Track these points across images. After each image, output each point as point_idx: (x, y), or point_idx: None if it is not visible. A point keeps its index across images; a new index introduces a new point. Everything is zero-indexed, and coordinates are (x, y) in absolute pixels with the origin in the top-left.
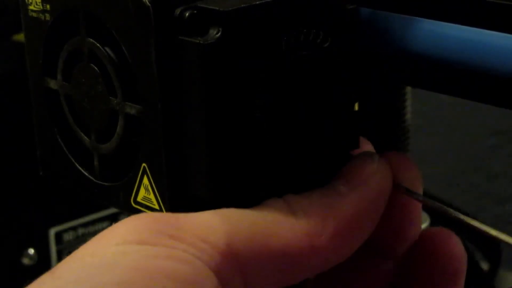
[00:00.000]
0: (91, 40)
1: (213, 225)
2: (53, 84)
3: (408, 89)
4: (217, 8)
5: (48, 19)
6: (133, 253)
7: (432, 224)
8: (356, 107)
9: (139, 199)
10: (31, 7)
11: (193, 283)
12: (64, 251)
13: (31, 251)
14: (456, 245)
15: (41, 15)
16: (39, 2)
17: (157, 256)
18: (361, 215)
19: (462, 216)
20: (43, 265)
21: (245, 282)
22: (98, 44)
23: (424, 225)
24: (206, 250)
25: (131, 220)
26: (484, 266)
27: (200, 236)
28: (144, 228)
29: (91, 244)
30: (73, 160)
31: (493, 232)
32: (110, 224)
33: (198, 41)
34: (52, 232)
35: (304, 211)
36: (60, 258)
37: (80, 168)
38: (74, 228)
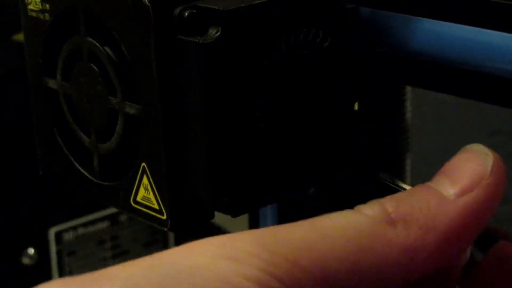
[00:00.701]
0: (90, 39)
1: (306, 245)
2: (52, 84)
3: (408, 88)
4: (217, 8)
5: (48, 18)
6: (222, 266)
7: None
8: (356, 107)
9: (138, 198)
10: (31, 7)
11: None
12: (64, 250)
13: (31, 250)
14: None
15: (40, 14)
16: (38, 2)
17: (245, 275)
18: (466, 225)
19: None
20: (43, 265)
21: None
22: (97, 44)
23: None
24: (297, 277)
25: (228, 236)
26: None
27: (293, 261)
28: (239, 247)
29: (180, 250)
30: (72, 160)
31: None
32: (110, 224)
33: (197, 41)
34: (52, 231)
35: (404, 222)
36: (60, 257)
37: (80, 168)
38: (74, 228)
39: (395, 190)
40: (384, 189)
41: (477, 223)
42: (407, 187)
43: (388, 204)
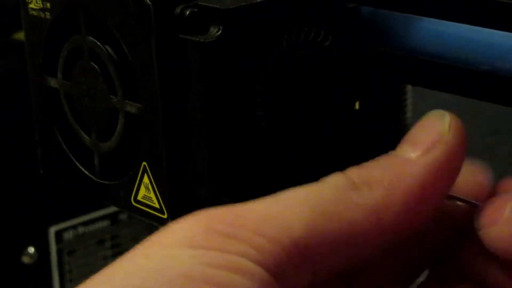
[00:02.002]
0: (91, 38)
1: (272, 217)
2: (53, 83)
3: (409, 87)
4: (218, 7)
5: (48, 17)
6: (184, 258)
7: None
8: (357, 106)
9: (139, 197)
10: (31, 6)
11: None
12: (64, 249)
13: (31, 249)
14: None
15: (41, 13)
16: (39, 1)
17: (209, 263)
18: (431, 183)
19: None
20: (43, 264)
21: (308, 270)
22: (98, 43)
23: None
24: (264, 247)
25: (187, 220)
26: None
27: (257, 231)
28: (197, 229)
29: (144, 245)
30: (73, 159)
31: None
32: (110, 223)
33: (198, 39)
34: (52, 230)
35: (368, 184)
36: (60, 256)
37: (81, 167)
38: (74, 227)
39: None
40: None
41: (442, 180)
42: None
43: (351, 171)
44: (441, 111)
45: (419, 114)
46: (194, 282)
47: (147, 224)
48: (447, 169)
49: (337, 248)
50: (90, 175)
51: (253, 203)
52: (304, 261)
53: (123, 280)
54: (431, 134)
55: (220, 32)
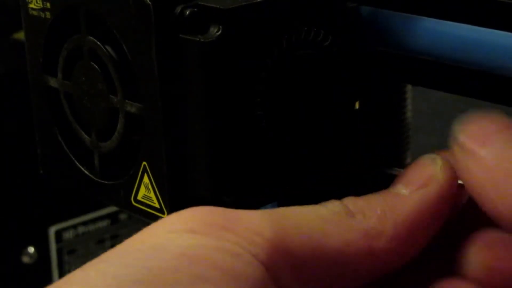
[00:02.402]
0: (91, 38)
1: (269, 222)
2: (53, 83)
3: (409, 87)
4: (218, 6)
5: (49, 17)
6: (182, 240)
7: None
8: (357, 106)
9: (139, 197)
10: (31, 6)
11: (239, 275)
12: (64, 249)
13: (31, 249)
14: None
15: (41, 13)
16: (39, 1)
17: (206, 246)
18: (422, 218)
19: None
20: (43, 264)
21: (297, 280)
22: (98, 42)
23: None
24: (258, 243)
25: (185, 211)
26: None
27: (254, 230)
28: (197, 219)
29: (142, 232)
30: (73, 159)
31: None
32: (110, 223)
33: (198, 39)
34: (52, 230)
35: (363, 213)
36: (60, 256)
37: (81, 167)
38: (74, 227)
39: None
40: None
41: (433, 217)
42: None
43: (347, 200)
44: (433, 155)
45: (419, 114)
46: (190, 260)
47: (147, 224)
48: (437, 207)
49: (329, 265)
50: (90, 175)
51: (252, 210)
52: (297, 270)
53: (118, 259)
54: (423, 174)
55: (220, 32)
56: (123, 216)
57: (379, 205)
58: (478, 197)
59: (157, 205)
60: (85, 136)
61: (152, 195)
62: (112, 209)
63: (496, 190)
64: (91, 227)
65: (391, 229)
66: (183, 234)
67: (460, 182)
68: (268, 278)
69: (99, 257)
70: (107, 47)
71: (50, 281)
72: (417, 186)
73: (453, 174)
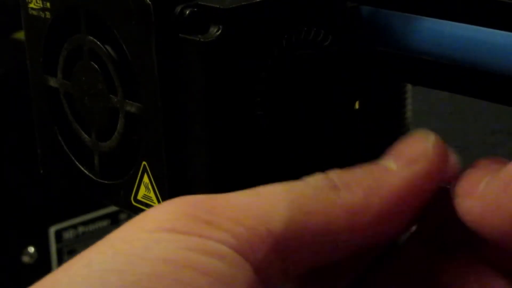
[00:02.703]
0: (91, 38)
1: (252, 207)
2: (53, 82)
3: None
4: (218, 6)
5: (49, 17)
6: (165, 243)
7: None
8: (357, 106)
9: (139, 197)
10: (31, 5)
11: (225, 278)
12: (64, 249)
13: (31, 249)
14: None
15: (41, 13)
16: (39, 0)
17: (190, 248)
18: (409, 195)
19: None
20: (43, 263)
21: (284, 262)
22: (98, 42)
23: None
24: (242, 235)
25: (165, 205)
26: None
27: (238, 220)
28: (178, 214)
29: (123, 229)
30: (73, 159)
31: None
32: (110, 223)
33: (198, 39)
34: (52, 230)
35: (347, 186)
36: (60, 256)
37: (81, 167)
38: (74, 227)
39: None
40: None
41: (420, 195)
42: None
43: (332, 173)
44: (427, 131)
45: (419, 114)
46: (175, 266)
47: None
48: (425, 185)
49: (312, 244)
50: (90, 175)
51: (233, 194)
52: (280, 253)
53: (102, 265)
54: (414, 150)
55: (220, 31)
56: (123, 216)
57: (365, 179)
58: (481, 231)
59: (157, 205)
60: (85, 136)
61: (152, 195)
62: (112, 209)
63: (495, 215)
64: (91, 227)
65: (376, 206)
66: (165, 234)
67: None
68: (254, 274)
69: (80, 256)
70: (107, 47)
71: None
72: (407, 161)
73: (445, 151)
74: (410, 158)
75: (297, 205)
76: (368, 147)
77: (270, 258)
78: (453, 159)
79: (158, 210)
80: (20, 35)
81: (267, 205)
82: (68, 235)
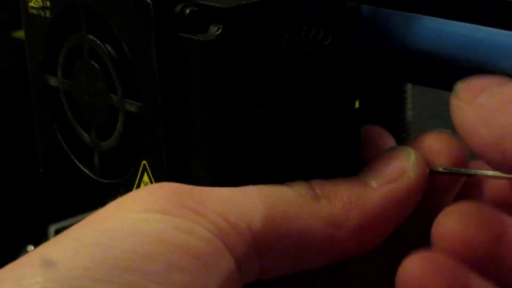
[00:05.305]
0: (91, 37)
1: (235, 204)
2: (53, 81)
3: (409, 87)
4: (218, 5)
5: (48, 16)
6: (155, 222)
7: None
8: (357, 105)
9: None
10: (31, 4)
11: (209, 261)
12: None
13: (31, 248)
14: None
15: (41, 12)
16: None
17: (178, 228)
18: (387, 212)
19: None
20: None
21: (260, 263)
22: (98, 41)
23: None
24: (225, 229)
25: (154, 188)
26: None
27: (221, 214)
28: (167, 198)
29: (109, 209)
30: (73, 157)
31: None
32: None
33: (198, 38)
34: (52, 229)
35: (329, 198)
36: None
37: (81, 165)
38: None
39: None
40: None
41: (398, 212)
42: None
43: (315, 183)
44: (408, 149)
45: (419, 114)
46: (165, 245)
47: None
48: (403, 203)
49: (288, 249)
50: (90, 174)
51: (218, 189)
52: (258, 250)
53: (92, 239)
54: (395, 168)
55: (220, 30)
56: None
57: (346, 192)
58: (469, 139)
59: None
60: (85, 134)
61: None
62: None
63: (487, 127)
64: None
65: (354, 220)
66: (154, 215)
67: (433, 169)
68: (235, 265)
69: (66, 234)
70: (107, 46)
71: None
72: (387, 180)
73: (425, 170)
74: (389, 176)
75: (278, 208)
76: None
77: (249, 254)
78: (462, 150)
79: (146, 192)
80: (20, 34)
81: (249, 203)
82: None
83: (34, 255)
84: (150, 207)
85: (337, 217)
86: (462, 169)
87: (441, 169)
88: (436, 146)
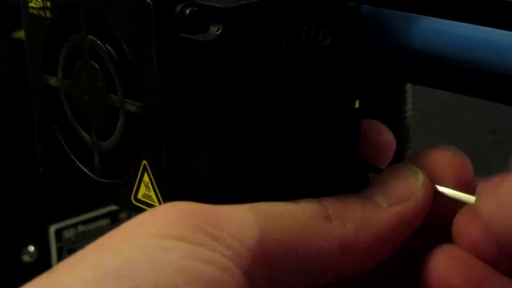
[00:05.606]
0: (91, 37)
1: (249, 224)
2: (53, 81)
3: (409, 87)
4: (218, 5)
5: (49, 16)
6: (175, 251)
7: None
8: (357, 105)
9: (139, 196)
10: (32, 4)
11: None
12: (64, 248)
13: (31, 248)
14: None
15: (41, 12)
16: None
17: (199, 258)
18: (395, 231)
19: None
20: (43, 263)
21: (272, 282)
22: (98, 41)
23: None
24: (242, 254)
25: (168, 209)
26: None
27: (237, 237)
28: (183, 223)
29: (125, 232)
30: (73, 158)
31: None
32: (110, 222)
33: (198, 38)
34: (52, 229)
35: (340, 219)
36: (60, 255)
37: (81, 166)
38: (74, 226)
39: None
40: None
41: (407, 230)
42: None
43: (327, 202)
44: (415, 168)
45: (419, 114)
46: (185, 276)
47: None
48: (412, 222)
49: (299, 270)
50: (90, 174)
51: (233, 209)
52: (271, 273)
53: (112, 270)
54: (404, 189)
55: (220, 31)
56: (123, 215)
57: (357, 213)
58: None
59: (157, 204)
60: (85, 135)
61: (152, 194)
62: (112, 208)
63: None
64: (91, 226)
65: (366, 241)
66: (173, 242)
67: (438, 188)
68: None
69: (84, 257)
70: (107, 46)
71: None
72: (397, 200)
73: (431, 190)
74: (399, 197)
75: (291, 230)
76: None
77: (263, 276)
78: (468, 168)
79: (162, 214)
80: (20, 34)
81: (265, 225)
82: (68, 234)
83: (47, 279)
84: (167, 233)
85: (349, 238)
86: (464, 194)
87: (444, 191)
88: (442, 163)
